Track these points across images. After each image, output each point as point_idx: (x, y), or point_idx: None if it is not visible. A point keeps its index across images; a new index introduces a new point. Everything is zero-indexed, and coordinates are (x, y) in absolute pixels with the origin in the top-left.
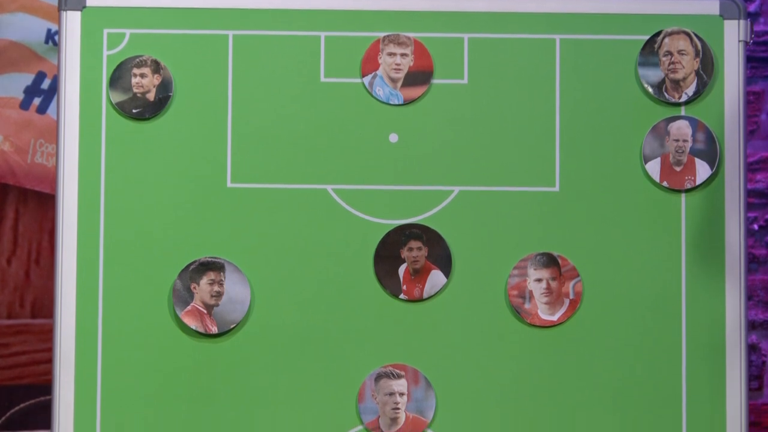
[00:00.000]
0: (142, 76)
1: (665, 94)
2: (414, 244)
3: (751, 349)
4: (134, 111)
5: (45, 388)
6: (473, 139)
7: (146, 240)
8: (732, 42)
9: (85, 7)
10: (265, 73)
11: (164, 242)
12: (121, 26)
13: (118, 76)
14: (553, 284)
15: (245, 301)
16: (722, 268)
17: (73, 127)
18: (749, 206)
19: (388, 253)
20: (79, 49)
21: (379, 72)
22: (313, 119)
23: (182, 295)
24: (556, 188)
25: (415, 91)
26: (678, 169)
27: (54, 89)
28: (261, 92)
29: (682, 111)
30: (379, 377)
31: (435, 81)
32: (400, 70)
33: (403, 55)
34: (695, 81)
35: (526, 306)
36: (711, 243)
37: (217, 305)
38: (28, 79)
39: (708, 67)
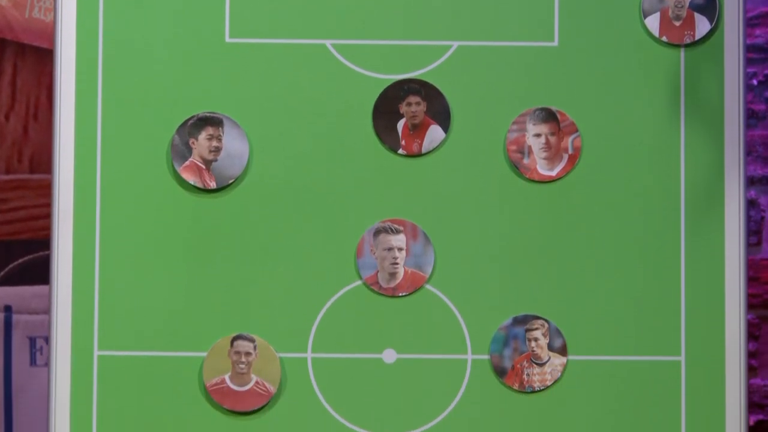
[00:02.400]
0: None
1: None
2: (413, 98)
3: (750, 204)
4: None
5: (43, 242)
6: None
7: (144, 95)
8: None
9: None
10: None
11: (162, 97)
12: None
13: None
14: (552, 139)
15: (243, 156)
16: (721, 122)
17: None
18: (748, 61)
19: (386, 108)
20: None
21: None
22: None
23: (180, 150)
24: (555, 43)
25: None
26: (677, 23)
27: None
28: None
29: None
30: (377, 232)
31: None
32: None
33: None
34: None
35: (525, 161)
36: (710, 98)
37: (216, 160)
38: None
39: None
